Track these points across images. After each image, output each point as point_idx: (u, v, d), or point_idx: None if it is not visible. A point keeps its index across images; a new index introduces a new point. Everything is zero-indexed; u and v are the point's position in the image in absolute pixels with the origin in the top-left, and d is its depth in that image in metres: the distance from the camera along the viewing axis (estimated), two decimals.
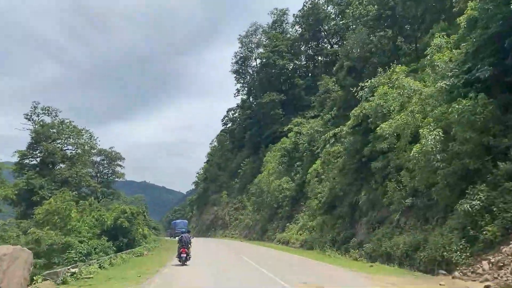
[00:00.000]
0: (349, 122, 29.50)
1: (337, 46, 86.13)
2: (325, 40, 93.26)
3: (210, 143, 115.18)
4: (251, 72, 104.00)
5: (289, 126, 61.53)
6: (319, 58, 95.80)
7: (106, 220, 39.82)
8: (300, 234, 41.92)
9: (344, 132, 30.15)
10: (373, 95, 28.88)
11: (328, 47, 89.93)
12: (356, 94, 31.36)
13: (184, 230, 41.39)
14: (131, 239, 42.67)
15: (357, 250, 25.74)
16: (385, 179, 25.57)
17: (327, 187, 34.57)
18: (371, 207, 27.37)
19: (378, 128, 25.07)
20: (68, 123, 62.59)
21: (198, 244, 42.04)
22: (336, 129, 32.73)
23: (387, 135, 24.06)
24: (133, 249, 35.30)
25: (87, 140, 63.78)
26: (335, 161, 32.59)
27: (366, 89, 30.35)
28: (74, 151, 62.61)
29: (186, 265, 23.75)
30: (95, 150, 73.00)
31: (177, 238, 27.74)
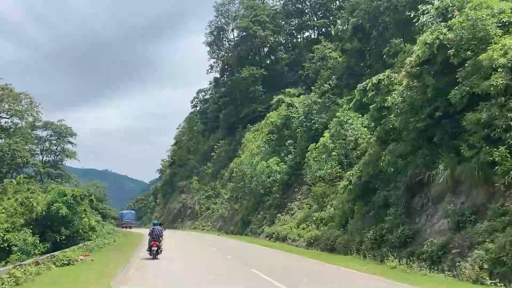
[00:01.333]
0: (412, 58, 18.77)
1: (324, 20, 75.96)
2: (311, 12, 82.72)
3: (177, 128, 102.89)
4: (227, 46, 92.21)
5: (278, 97, 50.43)
6: (304, 33, 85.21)
7: (35, 205, 27.83)
8: (304, 229, 31.20)
9: (403, 74, 19.27)
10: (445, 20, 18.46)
11: (314, 19, 79.61)
12: (414, 19, 20.96)
13: (131, 221, 43.91)
14: (73, 233, 30.92)
15: (443, 260, 15.18)
16: (488, 141, 15.11)
17: (363, 162, 23.77)
18: (455, 189, 16.87)
19: (487, 52, 14.66)
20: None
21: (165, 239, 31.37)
22: (381, 75, 21.95)
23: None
24: (65, 251, 23.08)
25: (26, 107, 50.79)
26: (383, 123, 21.72)
27: (432, 11, 19.76)
28: (10, 121, 49.69)
29: (157, 258, 22.04)
30: (40, 123, 60.36)
31: (148, 230, 25.26)
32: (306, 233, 29.90)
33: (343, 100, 38.85)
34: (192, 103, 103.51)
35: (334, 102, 40.92)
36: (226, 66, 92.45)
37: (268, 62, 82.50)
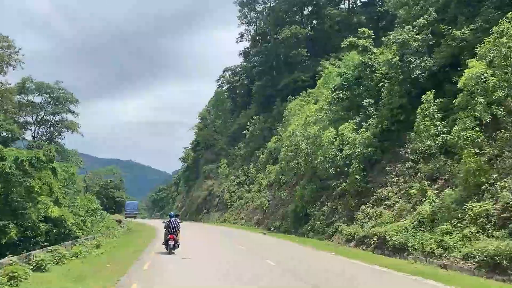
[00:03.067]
0: None
1: None
2: None
3: (203, 109, 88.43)
4: (261, 9, 77.45)
5: (348, 40, 35.08)
6: None
7: None
8: (449, 233, 16.50)
9: None
10: None
11: None
12: None
13: (134, 211, 42.43)
14: (23, 231, 17.04)
15: None
16: None
17: None
18: None
19: None
20: None
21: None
22: None
23: None
24: None
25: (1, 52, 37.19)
26: None
27: None
28: None
29: (173, 253, 19.73)
30: (32, 84, 47.18)
31: (163, 223, 22.08)
32: (465, 243, 15.18)
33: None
34: (217, 82, 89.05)
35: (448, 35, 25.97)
36: (258, 36, 78.11)
37: (313, 22, 67.61)
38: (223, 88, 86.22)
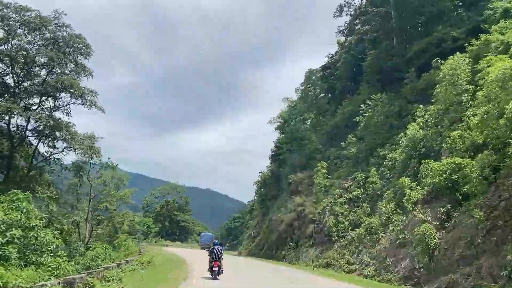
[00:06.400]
0: None
1: None
2: None
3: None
4: None
5: None
6: None
7: None
8: None
9: None
10: None
11: None
12: None
13: (208, 242, 42.56)
14: None
15: None
16: None
17: None
18: None
19: None
20: None
21: None
22: None
23: None
24: None
25: None
26: None
27: None
28: None
29: (218, 279, 20.92)
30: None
31: (207, 251, 25.22)
32: None
33: None
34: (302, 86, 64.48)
35: None
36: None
37: None
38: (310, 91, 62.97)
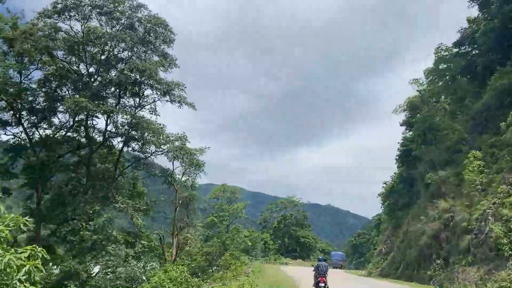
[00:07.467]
0: None
1: None
2: None
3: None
4: None
5: None
6: None
7: None
8: None
9: None
10: None
11: None
12: None
13: (340, 261, 55.62)
14: None
15: None
16: None
17: None
18: None
19: None
20: None
21: None
22: None
23: None
24: None
25: None
26: None
27: None
28: None
29: None
30: None
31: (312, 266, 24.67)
32: None
33: None
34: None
35: None
36: None
37: None
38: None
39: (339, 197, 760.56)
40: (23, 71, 32.96)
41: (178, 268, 22.28)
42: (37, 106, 34.32)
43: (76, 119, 34.83)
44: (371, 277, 43.09)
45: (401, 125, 55.69)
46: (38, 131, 35.39)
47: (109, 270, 26.87)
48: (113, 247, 27.97)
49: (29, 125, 35.10)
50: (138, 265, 27.35)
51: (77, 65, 34.61)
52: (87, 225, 28.05)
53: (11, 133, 35.31)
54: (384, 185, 59.17)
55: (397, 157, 54.56)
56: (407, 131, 52.78)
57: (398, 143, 53.93)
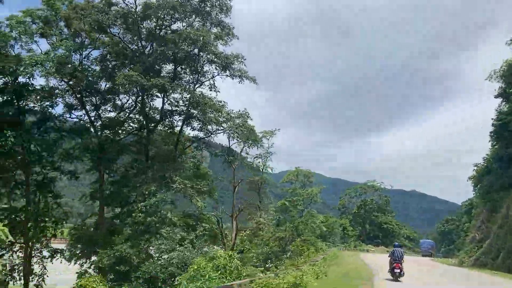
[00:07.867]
0: None
1: None
2: None
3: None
4: None
5: None
6: None
7: None
8: None
9: None
10: None
11: None
12: None
13: (429, 249, 58.24)
14: None
15: None
16: None
17: None
18: None
19: None
20: None
21: None
22: None
23: None
24: None
25: None
26: None
27: None
28: None
29: (399, 281, 21.23)
30: None
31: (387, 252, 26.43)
32: None
33: None
34: None
35: None
36: None
37: None
38: None
39: (424, 182, 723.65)
40: (81, 51, 32.47)
41: (227, 254, 19.65)
42: (98, 87, 33.85)
43: (139, 99, 33.96)
44: (464, 267, 37.75)
45: (496, 96, 48.83)
46: (99, 113, 34.96)
47: (162, 254, 25.35)
48: (167, 230, 26.44)
49: (92, 107, 34.76)
50: (194, 250, 25.44)
51: (135, 44, 33.54)
52: (141, 207, 26.71)
53: (75, 116, 35.18)
54: (475, 168, 52.85)
55: (492, 134, 47.93)
56: (503, 103, 46.09)
57: (492, 118, 47.40)
